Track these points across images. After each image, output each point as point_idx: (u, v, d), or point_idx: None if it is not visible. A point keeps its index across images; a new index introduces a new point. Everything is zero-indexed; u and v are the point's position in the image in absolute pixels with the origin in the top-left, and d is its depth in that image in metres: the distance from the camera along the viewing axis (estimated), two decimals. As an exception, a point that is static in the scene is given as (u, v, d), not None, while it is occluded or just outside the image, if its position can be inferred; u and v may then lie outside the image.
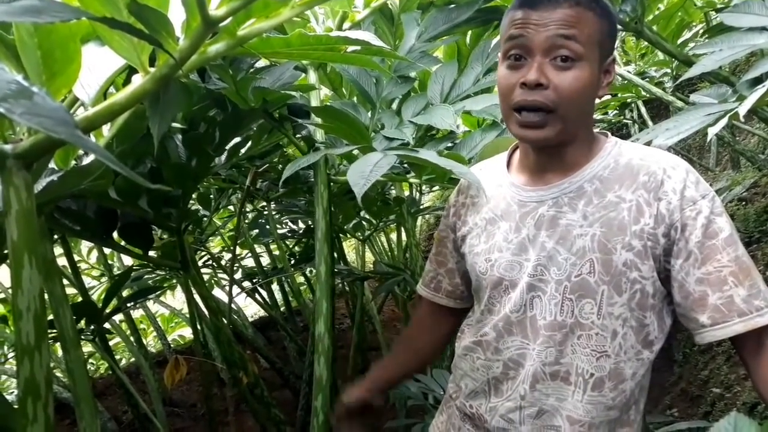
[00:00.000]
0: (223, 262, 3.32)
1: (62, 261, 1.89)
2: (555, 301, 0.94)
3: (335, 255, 2.55)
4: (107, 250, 2.84)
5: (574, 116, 0.89)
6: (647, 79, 3.13)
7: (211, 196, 2.46)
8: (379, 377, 1.23)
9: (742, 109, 1.00)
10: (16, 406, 0.80)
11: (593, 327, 0.92)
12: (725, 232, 0.87)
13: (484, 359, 1.03)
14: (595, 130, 1.00)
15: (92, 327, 1.90)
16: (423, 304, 1.23)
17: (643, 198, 0.89)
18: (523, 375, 0.98)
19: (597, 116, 3.88)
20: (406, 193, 2.68)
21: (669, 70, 3.16)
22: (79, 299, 1.99)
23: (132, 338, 2.89)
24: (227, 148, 1.66)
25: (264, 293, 3.49)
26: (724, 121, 1.03)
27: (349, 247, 4.92)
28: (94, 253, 3.15)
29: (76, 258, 2.60)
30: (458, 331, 1.17)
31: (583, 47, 0.86)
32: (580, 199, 0.93)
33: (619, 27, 1.68)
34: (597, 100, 0.94)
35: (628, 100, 3.63)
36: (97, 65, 0.87)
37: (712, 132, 1.01)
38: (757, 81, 1.25)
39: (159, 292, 3.15)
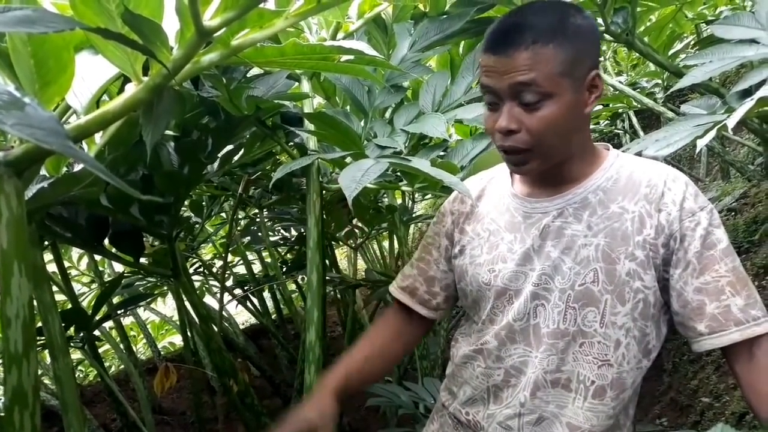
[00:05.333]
0: (214, 270, 3.30)
1: (52, 267, 1.88)
2: (558, 310, 0.95)
3: (327, 263, 2.55)
4: (98, 257, 2.83)
5: (555, 148, 0.92)
6: (638, 90, 3.15)
7: (203, 203, 2.45)
8: (338, 387, 1.06)
9: (731, 121, 1.01)
10: (2, 415, 0.79)
11: (596, 335, 0.93)
12: (723, 243, 0.89)
13: (485, 367, 1.03)
14: (596, 143, 1.02)
15: (82, 334, 1.89)
16: (393, 307, 1.19)
17: (645, 209, 0.91)
18: (524, 382, 0.98)
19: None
20: (399, 201, 2.68)
21: (660, 81, 3.20)
22: (69, 306, 1.98)
23: (122, 345, 2.87)
24: (220, 155, 1.65)
25: (255, 301, 3.47)
26: (712, 133, 1.04)
27: (341, 254, 4.91)
28: (85, 260, 3.13)
29: (66, 264, 2.59)
30: (452, 339, 1.17)
31: (547, 85, 0.86)
32: (585, 209, 0.95)
33: (610, 38, 1.71)
34: (588, 110, 0.93)
35: (620, 111, 3.66)
36: (90, 74, 0.87)
37: (701, 143, 1.02)
38: (746, 93, 1.26)
39: (149, 299, 3.14)
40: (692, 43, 2.83)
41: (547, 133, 0.89)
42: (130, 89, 0.82)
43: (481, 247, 1.04)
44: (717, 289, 0.88)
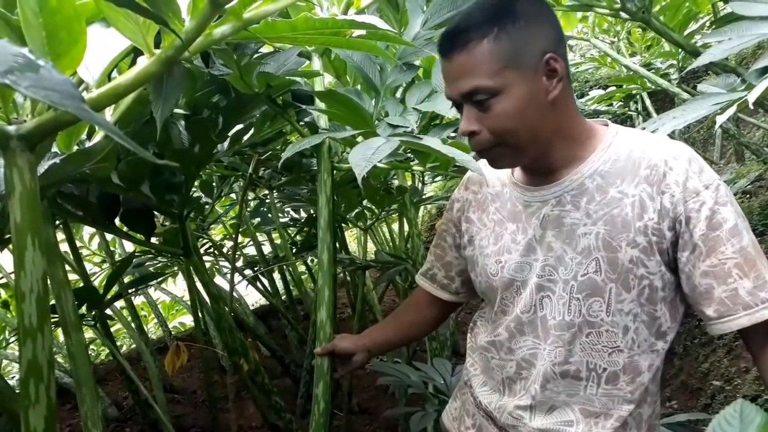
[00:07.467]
0: (224, 250, 3.32)
1: (64, 247, 1.89)
2: (563, 301, 0.94)
3: (337, 244, 2.55)
4: (109, 236, 2.84)
5: (523, 141, 0.89)
6: (653, 71, 3.11)
7: (213, 183, 2.45)
8: (370, 339, 1.31)
9: (752, 97, 0.99)
10: (17, 391, 0.80)
11: (603, 324, 0.92)
12: (729, 223, 0.85)
13: (498, 359, 1.04)
14: (594, 119, 0.99)
15: (93, 312, 1.90)
16: (419, 291, 1.26)
17: (646, 192, 0.88)
18: (535, 375, 0.99)
19: (601, 108, 3.86)
20: (409, 183, 2.67)
21: (675, 62, 3.15)
22: (81, 285, 1.99)
23: (133, 324, 2.89)
24: (230, 134, 1.65)
25: (265, 281, 3.49)
26: (732, 110, 1.02)
27: (351, 237, 4.92)
28: (96, 240, 3.15)
29: (78, 244, 2.60)
30: (471, 322, 1.18)
31: (491, 83, 0.85)
32: (583, 196, 0.92)
33: (626, 16, 1.68)
34: (553, 95, 0.88)
35: (633, 92, 3.62)
36: (102, 47, 0.86)
37: (720, 120, 1.00)
38: (766, 70, 1.23)
39: (160, 279, 3.16)
40: (708, 23, 2.78)
41: (507, 129, 0.87)
42: (142, 62, 0.81)
43: (488, 238, 1.04)
44: (724, 272, 0.85)
